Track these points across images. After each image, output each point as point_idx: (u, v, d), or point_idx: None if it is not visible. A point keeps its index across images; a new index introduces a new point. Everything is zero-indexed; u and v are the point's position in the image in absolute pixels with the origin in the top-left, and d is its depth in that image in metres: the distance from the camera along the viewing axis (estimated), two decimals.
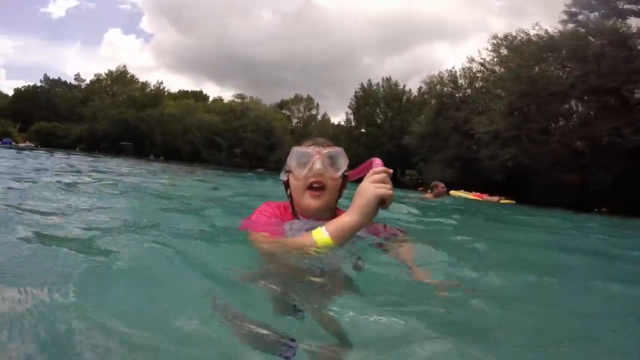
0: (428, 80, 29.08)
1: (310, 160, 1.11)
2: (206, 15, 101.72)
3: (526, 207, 11.42)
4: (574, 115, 17.27)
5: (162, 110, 33.82)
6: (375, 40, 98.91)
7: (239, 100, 35.02)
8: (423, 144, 25.21)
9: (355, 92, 37.04)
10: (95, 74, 41.57)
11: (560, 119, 17.02)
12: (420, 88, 33.56)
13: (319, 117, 41.35)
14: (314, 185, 1.11)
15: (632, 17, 15.72)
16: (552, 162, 15.49)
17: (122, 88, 38.38)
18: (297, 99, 41.36)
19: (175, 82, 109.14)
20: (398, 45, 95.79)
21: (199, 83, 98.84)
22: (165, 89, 40.08)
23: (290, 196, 1.19)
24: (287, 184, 1.20)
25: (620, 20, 15.82)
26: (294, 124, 40.00)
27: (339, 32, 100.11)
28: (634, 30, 15.37)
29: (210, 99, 42.87)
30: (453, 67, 29.51)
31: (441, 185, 6.71)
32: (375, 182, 0.92)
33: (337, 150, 1.15)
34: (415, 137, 26.12)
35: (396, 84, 36.66)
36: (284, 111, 40.42)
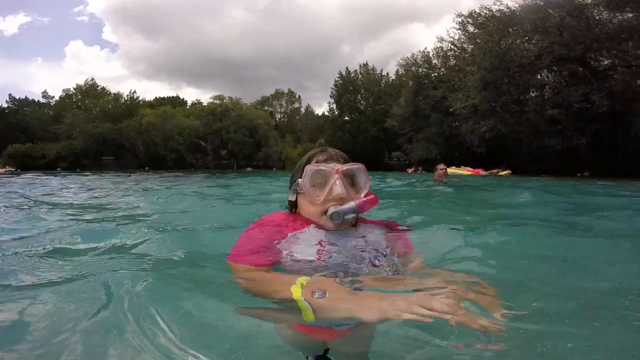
0: (403, 63, 29.55)
1: (327, 181, 0.93)
2: (174, 20, 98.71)
3: (524, 177, 11.97)
4: (547, 86, 18.11)
5: (140, 120, 33.13)
6: (353, 27, 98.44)
7: (217, 101, 34.61)
8: (405, 125, 25.77)
9: (335, 80, 37.15)
10: (63, 90, 40.06)
11: (532, 89, 17.77)
12: (397, 71, 34.14)
13: (303, 109, 41.54)
14: None
15: None
16: (531, 131, 16.33)
17: (94, 101, 37.22)
18: (279, 94, 41.16)
19: (152, 90, 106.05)
20: (375, 29, 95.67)
21: (176, 88, 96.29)
22: (140, 98, 39.18)
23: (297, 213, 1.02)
24: (293, 204, 1.02)
25: None
26: (277, 120, 40.01)
27: (316, 22, 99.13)
28: (589, 1, 16.03)
29: (189, 103, 42.29)
30: (425, 48, 30.06)
31: (440, 167, 6.74)
32: (427, 307, 0.59)
33: (357, 165, 0.97)
34: (397, 119, 26.61)
35: (374, 69, 36.96)
36: (265, 107, 40.30)
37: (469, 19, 22.12)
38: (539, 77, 18.21)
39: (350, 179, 0.96)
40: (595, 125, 14.17)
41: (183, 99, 44.30)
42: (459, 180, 8.99)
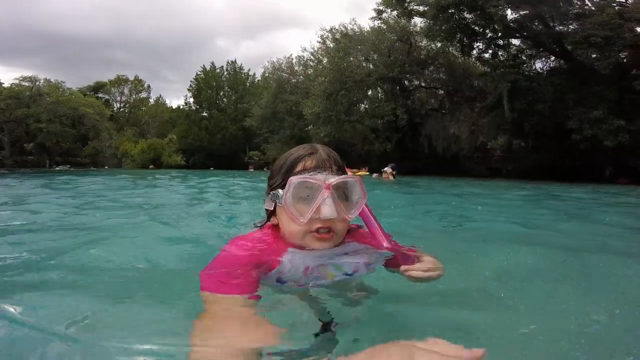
0: (270, 66, 29.88)
1: (314, 196, 0.79)
2: None
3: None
4: (374, 99, 21.19)
5: None
6: (234, 23, 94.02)
7: (27, 83, 26.04)
8: (263, 126, 26.23)
9: (197, 74, 34.91)
10: None
11: (360, 102, 20.54)
12: (264, 72, 34.41)
13: (152, 100, 36.19)
14: (321, 231, 0.81)
15: (416, 17, 18.02)
16: (361, 138, 18.77)
17: None
18: (120, 80, 34.49)
19: None
20: (256, 29, 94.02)
21: None
22: None
23: (274, 225, 0.88)
24: (271, 213, 0.88)
25: (407, 19, 18.42)
26: (115, 110, 33.47)
27: (195, 10, 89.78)
28: (418, 29, 19.25)
29: None
30: (291, 55, 31.53)
31: None
32: None
33: (351, 179, 0.84)
34: (257, 119, 26.94)
35: (242, 68, 36.27)
36: (100, 95, 33.12)
37: (330, 34, 23.86)
38: (370, 92, 21.18)
39: (342, 192, 0.84)
40: (398, 134, 17.44)
41: None
42: None
